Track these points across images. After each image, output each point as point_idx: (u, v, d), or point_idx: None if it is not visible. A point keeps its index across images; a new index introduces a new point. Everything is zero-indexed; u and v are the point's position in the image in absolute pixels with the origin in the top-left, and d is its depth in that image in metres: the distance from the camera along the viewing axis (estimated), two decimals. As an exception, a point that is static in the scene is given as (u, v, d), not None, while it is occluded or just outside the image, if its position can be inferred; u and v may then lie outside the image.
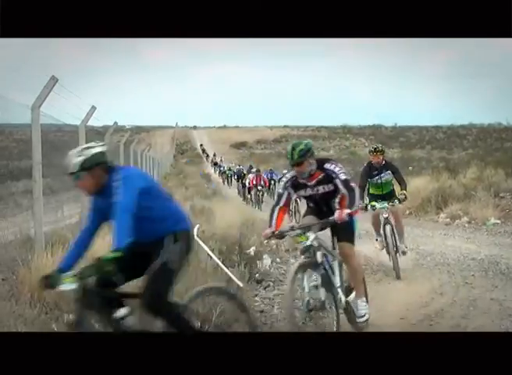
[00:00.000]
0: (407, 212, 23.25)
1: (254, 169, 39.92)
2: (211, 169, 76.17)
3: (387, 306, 9.95)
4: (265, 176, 38.38)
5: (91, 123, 14.85)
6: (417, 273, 12.61)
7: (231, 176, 58.02)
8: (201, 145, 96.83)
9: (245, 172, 46.50)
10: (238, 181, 48.30)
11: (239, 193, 45.89)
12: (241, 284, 8.30)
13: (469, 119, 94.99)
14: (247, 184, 38.98)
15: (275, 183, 37.80)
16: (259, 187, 36.07)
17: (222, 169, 67.51)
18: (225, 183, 60.20)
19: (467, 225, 20.56)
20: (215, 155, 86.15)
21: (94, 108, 14.05)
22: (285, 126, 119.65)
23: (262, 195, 36.37)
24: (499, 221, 20.29)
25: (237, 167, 56.96)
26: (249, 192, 38.69)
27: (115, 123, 19.25)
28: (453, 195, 23.44)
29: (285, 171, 34.30)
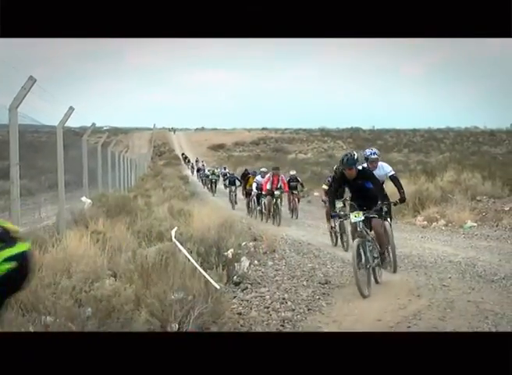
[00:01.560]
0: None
1: (263, 169, 30.25)
2: (190, 174, 71.45)
3: (365, 308, 9.98)
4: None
5: (69, 124, 14.81)
6: (394, 275, 12.65)
7: (215, 182, 49.19)
8: (183, 154, 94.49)
9: (238, 177, 38.44)
10: (229, 187, 38.58)
11: (231, 202, 36.81)
12: (218, 287, 8.31)
13: (446, 123, 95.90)
14: (254, 190, 29.08)
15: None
16: (277, 193, 25.94)
17: (206, 173, 56.13)
18: (206, 188, 52.29)
19: (444, 228, 20.69)
20: (197, 160, 78.63)
21: (71, 109, 14.01)
22: (263, 129, 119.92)
23: (281, 204, 26.44)
24: (475, 224, 20.44)
25: (223, 170, 50.31)
26: (258, 201, 29.08)
27: (93, 124, 19.21)
28: (430, 198, 23.58)
29: (292, 172, 28.49)
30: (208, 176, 52.25)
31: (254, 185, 29.27)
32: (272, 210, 26.05)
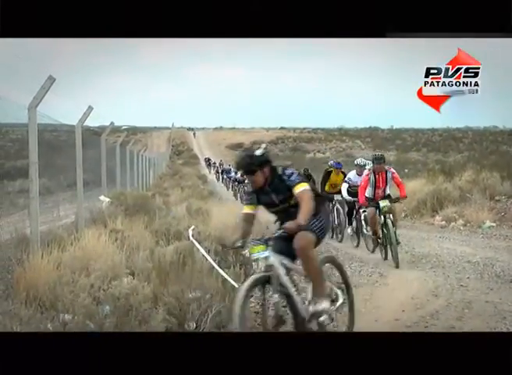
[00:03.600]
0: (403, 214, 23.26)
1: (360, 160, 17.30)
2: (214, 179, 61.15)
3: (382, 308, 9.96)
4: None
5: (88, 123, 14.87)
6: (412, 275, 12.62)
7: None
8: (206, 158, 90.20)
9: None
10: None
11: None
12: (236, 285, 8.32)
13: (465, 122, 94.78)
14: (347, 197, 17.28)
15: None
16: (384, 204, 14.29)
17: (237, 176, 38.49)
18: (239, 197, 36.86)
19: (462, 228, 20.57)
20: (221, 163, 65.56)
21: (90, 108, 14.07)
22: (281, 128, 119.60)
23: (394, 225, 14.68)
24: (494, 224, 20.31)
25: None
26: (351, 217, 17.80)
27: (112, 123, 19.27)
28: (448, 198, 23.44)
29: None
30: (241, 182, 37.48)
31: (345, 188, 17.45)
32: (379, 233, 14.59)
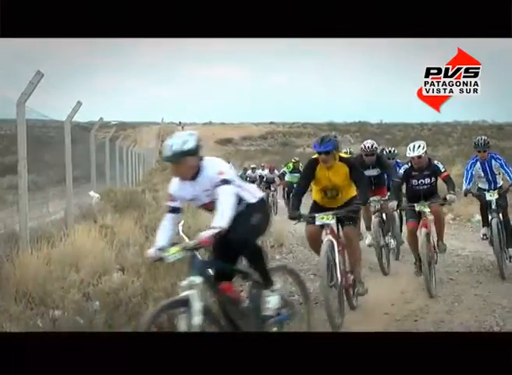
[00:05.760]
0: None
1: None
2: None
3: (372, 302, 9.97)
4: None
5: (77, 118, 14.83)
6: (401, 269, 12.64)
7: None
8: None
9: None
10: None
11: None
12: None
13: (454, 117, 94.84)
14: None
15: None
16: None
17: (263, 173, 30.10)
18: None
19: (451, 222, 20.60)
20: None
21: (79, 103, 14.02)
22: (271, 123, 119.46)
23: None
24: (483, 218, 20.37)
25: (260, 171, 30.78)
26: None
27: (101, 118, 19.22)
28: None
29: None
30: (270, 181, 28.70)
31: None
32: None
